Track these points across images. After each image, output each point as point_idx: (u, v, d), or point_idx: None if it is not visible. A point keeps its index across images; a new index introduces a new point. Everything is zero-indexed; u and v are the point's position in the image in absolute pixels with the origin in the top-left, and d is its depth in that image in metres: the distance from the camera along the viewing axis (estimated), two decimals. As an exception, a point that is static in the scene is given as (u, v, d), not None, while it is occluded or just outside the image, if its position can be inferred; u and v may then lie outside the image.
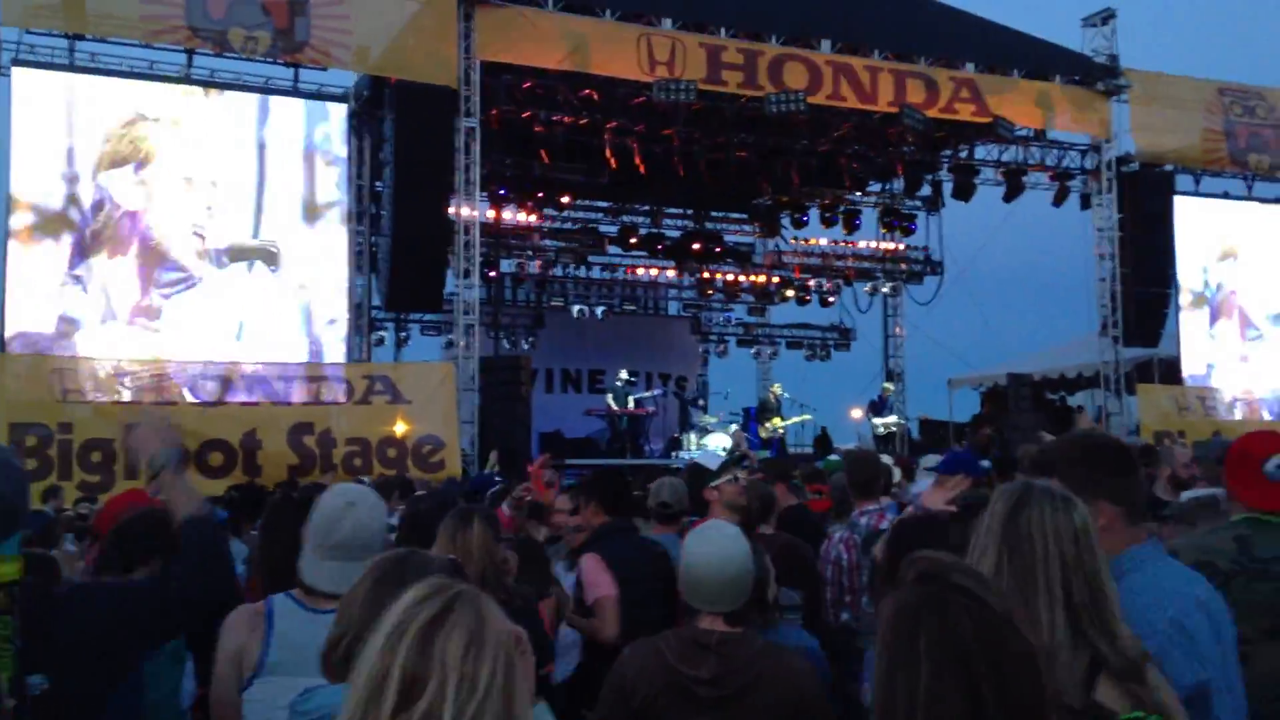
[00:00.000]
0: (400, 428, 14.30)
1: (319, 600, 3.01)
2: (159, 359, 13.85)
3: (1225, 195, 20.89)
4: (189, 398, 13.87)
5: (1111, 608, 2.02)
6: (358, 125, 15.66)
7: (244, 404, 14.07)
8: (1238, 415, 19.49)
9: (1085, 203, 20.26)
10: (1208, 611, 2.23)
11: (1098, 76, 19.04)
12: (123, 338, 13.86)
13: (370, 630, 1.62)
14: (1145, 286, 19.32)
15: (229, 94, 14.82)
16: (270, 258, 14.65)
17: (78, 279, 13.77)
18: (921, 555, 1.88)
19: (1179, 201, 19.98)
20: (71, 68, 14.08)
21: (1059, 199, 20.53)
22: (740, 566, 3.03)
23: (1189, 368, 19.95)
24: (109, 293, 13.89)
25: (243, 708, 2.99)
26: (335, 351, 15.01)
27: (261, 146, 14.81)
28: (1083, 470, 2.45)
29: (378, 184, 16.12)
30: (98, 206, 13.87)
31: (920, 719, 1.63)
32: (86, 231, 13.83)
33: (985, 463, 9.41)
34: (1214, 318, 20.41)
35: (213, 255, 14.35)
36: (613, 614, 4.49)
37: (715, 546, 3.03)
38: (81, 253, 13.80)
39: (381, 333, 20.95)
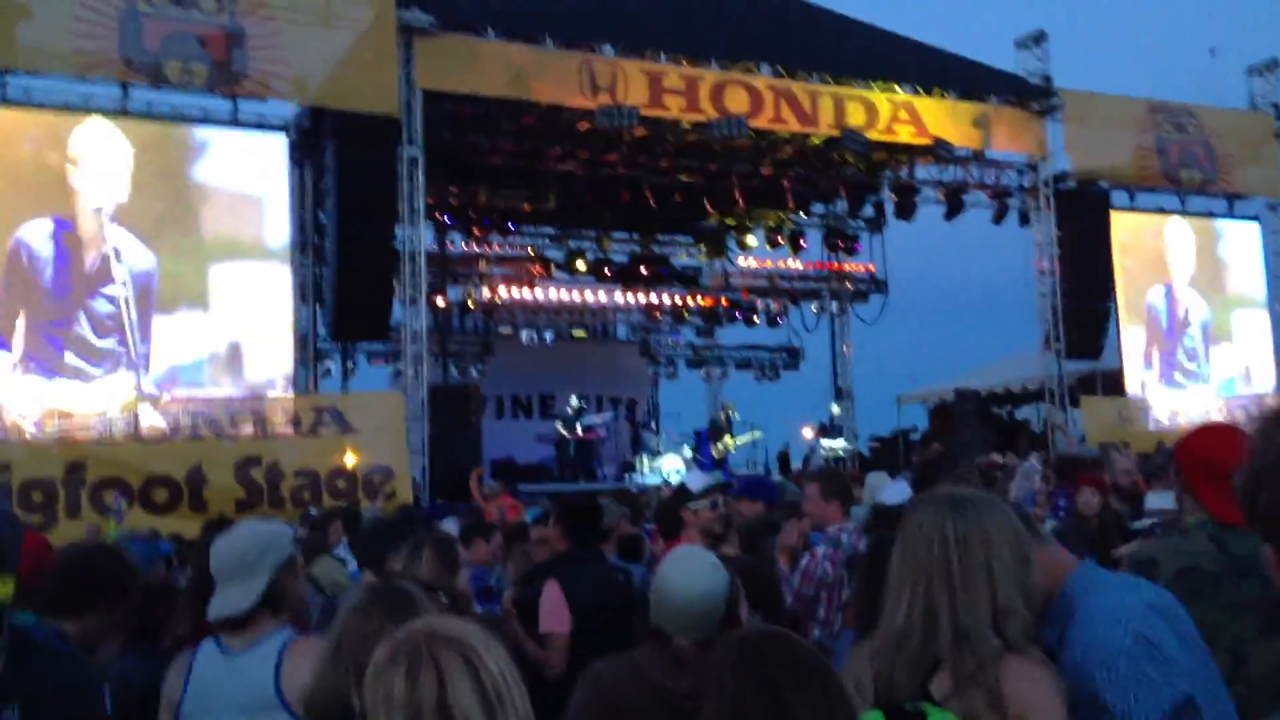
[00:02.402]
0: (349, 459, 14.14)
1: (235, 641, 2.97)
2: (94, 410, 13.50)
3: (1159, 210, 21.34)
4: (127, 436, 13.58)
5: (979, 611, 2.12)
6: (298, 156, 15.51)
7: (189, 439, 13.81)
8: (1181, 423, 19.81)
9: (1024, 220, 20.55)
10: (1161, 613, 2.21)
11: (1032, 97, 19.41)
12: (48, 387, 13.42)
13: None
14: (1085, 301, 19.66)
15: (164, 126, 14.58)
16: (211, 292, 14.42)
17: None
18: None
19: (1115, 217, 20.37)
20: (5, 102, 13.82)
21: (998, 217, 20.82)
22: (719, 597, 3.06)
23: (1131, 379, 20.29)
24: (36, 339, 13.47)
25: None
26: (281, 383, 14.80)
27: (198, 179, 14.61)
28: None
29: (320, 214, 15.98)
30: (19, 250, 13.45)
31: None
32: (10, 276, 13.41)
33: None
34: (1150, 331, 20.77)
35: (149, 292, 14.07)
36: (561, 652, 4.52)
37: (696, 577, 3.03)
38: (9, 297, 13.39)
39: (328, 363, 20.69)
